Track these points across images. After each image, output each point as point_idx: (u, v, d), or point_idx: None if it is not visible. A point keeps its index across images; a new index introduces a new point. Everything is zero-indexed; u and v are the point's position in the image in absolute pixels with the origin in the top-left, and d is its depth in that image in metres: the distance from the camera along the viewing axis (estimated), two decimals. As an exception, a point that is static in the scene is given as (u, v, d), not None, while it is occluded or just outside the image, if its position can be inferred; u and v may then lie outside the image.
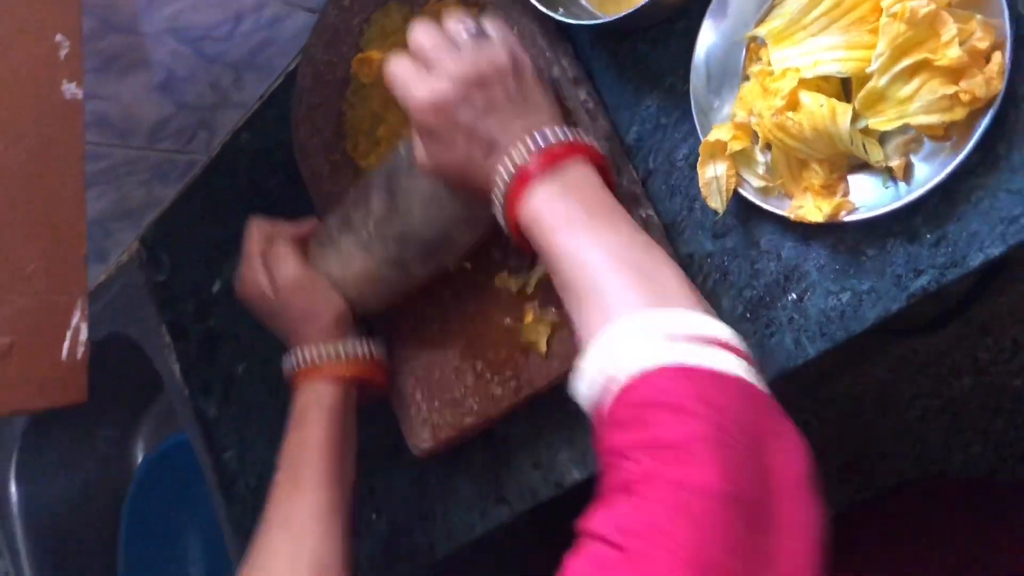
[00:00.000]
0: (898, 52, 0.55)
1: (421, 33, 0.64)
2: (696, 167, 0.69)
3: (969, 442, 1.47)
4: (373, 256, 0.74)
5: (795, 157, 0.62)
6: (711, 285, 0.68)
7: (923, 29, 0.54)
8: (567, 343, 0.70)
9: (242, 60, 0.91)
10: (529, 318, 0.73)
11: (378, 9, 0.82)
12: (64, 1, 0.58)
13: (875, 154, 0.59)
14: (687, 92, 0.68)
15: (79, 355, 0.61)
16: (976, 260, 0.58)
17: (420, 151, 0.66)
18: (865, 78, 0.57)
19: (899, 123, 0.57)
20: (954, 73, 0.54)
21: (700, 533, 0.42)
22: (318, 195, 0.87)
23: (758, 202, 0.64)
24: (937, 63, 0.54)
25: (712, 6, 0.67)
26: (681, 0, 0.68)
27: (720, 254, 0.68)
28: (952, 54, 0.53)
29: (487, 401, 0.75)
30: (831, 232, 0.63)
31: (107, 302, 1.16)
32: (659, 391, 0.48)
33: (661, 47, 0.71)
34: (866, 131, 0.59)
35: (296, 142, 0.88)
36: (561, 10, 0.71)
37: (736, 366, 0.50)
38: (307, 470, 0.71)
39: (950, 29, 0.54)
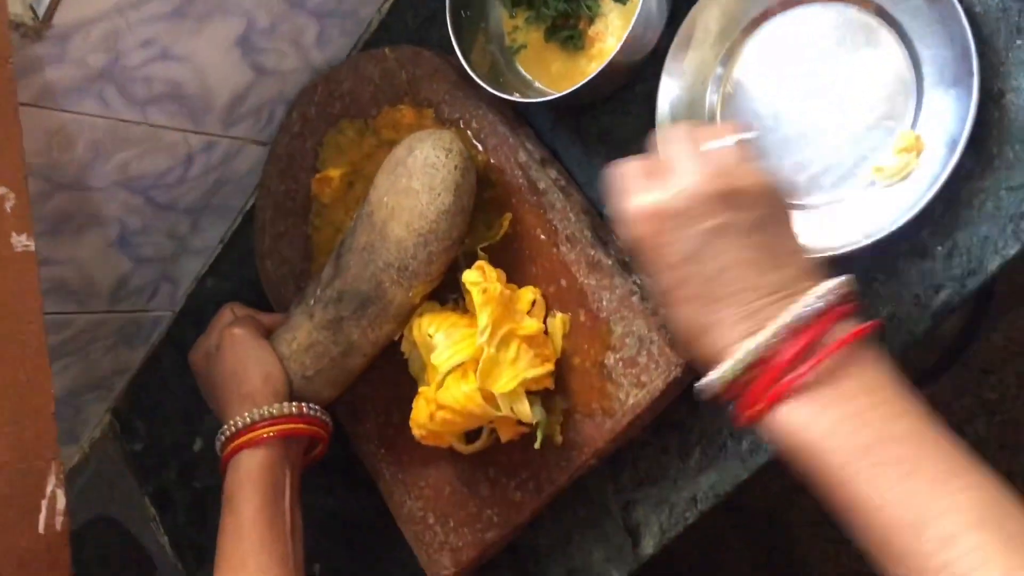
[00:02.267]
0: (495, 326, 0.64)
1: (676, 134, 0.49)
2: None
3: (997, 486, 1.43)
4: (313, 321, 0.73)
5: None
6: (722, 342, 0.64)
7: (506, 306, 0.66)
8: (582, 427, 0.66)
9: (197, 204, 0.89)
10: (538, 416, 0.68)
11: (330, 128, 0.81)
12: (5, 152, 0.56)
13: (524, 414, 0.65)
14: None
15: (58, 526, 0.55)
16: (993, 263, 0.56)
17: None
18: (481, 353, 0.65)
19: (516, 383, 0.64)
20: (532, 338, 0.65)
21: None
22: (293, 326, 0.83)
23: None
24: (520, 332, 0.65)
25: (667, 65, 0.66)
26: (634, 64, 0.67)
27: (725, 309, 0.64)
28: (529, 325, 0.66)
29: (508, 509, 0.69)
30: (837, 264, 0.60)
31: (83, 485, 1.09)
32: None
33: (622, 115, 0.70)
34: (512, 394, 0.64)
35: (264, 277, 0.86)
36: (516, 94, 0.70)
37: None
38: (249, 559, 0.65)
39: (524, 302, 0.67)
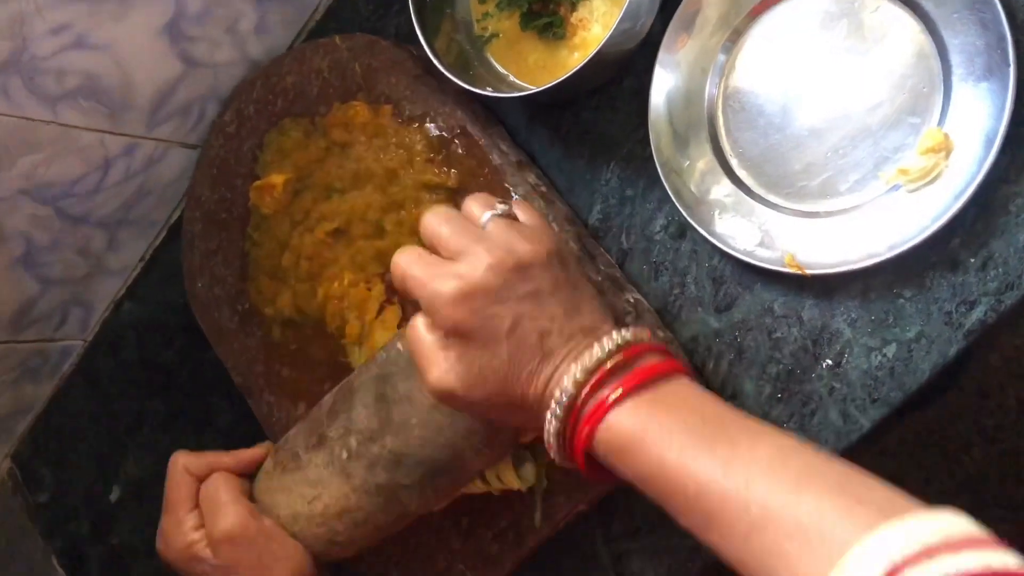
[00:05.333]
0: None
1: (436, 218, 0.56)
2: (678, 238, 0.65)
3: (998, 519, 1.43)
4: (352, 482, 0.62)
5: None
6: (726, 368, 0.63)
7: None
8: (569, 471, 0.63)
9: (115, 216, 0.85)
10: (531, 479, 0.65)
11: (271, 128, 0.77)
12: None
13: (512, 481, 0.64)
14: (650, 156, 0.64)
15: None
16: (1034, 276, 0.54)
17: (436, 369, 0.54)
18: None
19: None
20: None
21: None
22: (228, 356, 0.80)
23: (755, 262, 0.60)
24: None
25: (661, 55, 0.64)
26: (623, 54, 0.65)
27: (730, 330, 0.63)
28: None
29: (483, 563, 0.67)
30: (856, 279, 0.59)
31: (-23, 542, 1.04)
32: None
33: (609, 112, 0.68)
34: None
35: (193, 298, 0.82)
36: (488, 88, 0.67)
37: (1017, 562, 0.41)
38: None
39: None
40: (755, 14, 0.62)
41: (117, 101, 0.76)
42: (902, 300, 0.58)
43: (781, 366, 0.61)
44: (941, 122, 0.56)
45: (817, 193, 0.60)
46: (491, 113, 0.71)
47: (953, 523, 0.42)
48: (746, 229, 0.61)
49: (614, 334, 0.53)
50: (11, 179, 0.75)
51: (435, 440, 0.59)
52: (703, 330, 0.64)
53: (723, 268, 0.63)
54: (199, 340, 0.83)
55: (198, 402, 0.88)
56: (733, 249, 0.61)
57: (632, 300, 0.63)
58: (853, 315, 0.59)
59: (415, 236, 0.68)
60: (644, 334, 0.54)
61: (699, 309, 0.64)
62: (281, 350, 0.76)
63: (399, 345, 0.61)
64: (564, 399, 0.52)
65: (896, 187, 0.57)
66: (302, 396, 0.75)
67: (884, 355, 0.58)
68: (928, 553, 0.41)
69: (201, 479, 0.67)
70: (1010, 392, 1.42)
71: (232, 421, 0.86)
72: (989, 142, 0.54)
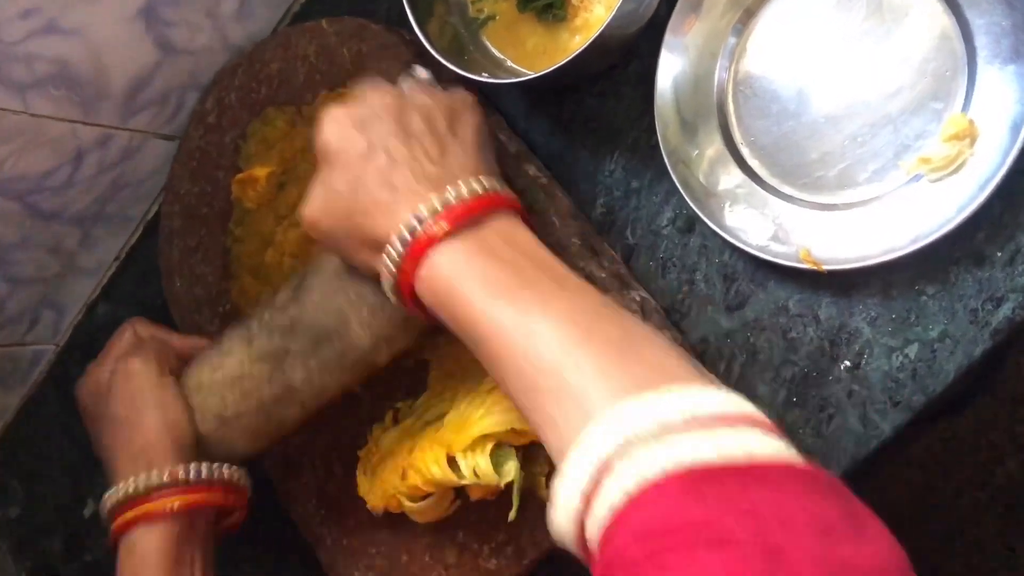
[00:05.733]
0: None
1: (368, 82, 0.62)
2: (687, 232, 0.65)
3: (1034, 536, 1.44)
4: (250, 349, 0.67)
5: None
6: (738, 370, 0.63)
7: None
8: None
9: (88, 212, 0.86)
10: (511, 474, 0.65)
11: (255, 118, 0.78)
12: None
13: (489, 475, 0.63)
14: (656, 145, 0.65)
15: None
16: (1065, 272, 0.55)
17: (310, 196, 0.61)
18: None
19: (468, 440, 0.63)
20: None
21: None
22: (210, 360, 0.80)
23: (768, 258, 0.60)
24: None
25: (667, 38, 0.65)
26: (627, 37, 0.65)
27: (742, 330, 0.63)
28: None
29: (479, 579, 0.67)
30: (875, 276, 0.59)
31: (-57, 561, 1.04)
32: (676, 511, 0.39)
33: (613, 99, 0.69)
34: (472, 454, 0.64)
35: (171, 299, 0.82)
36: (484, 74, 0.68)
37: (775, 447, 0.43)
38: None
39: None
40: (767, -6, 0.63)
41: (90, 89, 0.76)
42: (925, 297, 0.58)
43: (797, 368, 0.61)
44: (965, 108, 0.57)
45: (834, 184, 0.60)
46: (488, 100, 0.71)
47: (709, 399, 0.44)
48: (758, 222, 0.62)
49: (463, 183, 0.56)
50: (-23, 173, 0.76)
51: (326, 304, 0.64)
52: (714, 330, 0.64)
53: (734, 264, 0.64)
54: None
55: (177, 410, 0.88)
56: (745, 244, 0.61)
57: (638, 298, 0.64)
58: (873, 313, 0.59)
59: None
60: (494, 185, 0.58)
61: (709, 308, 0.64)
62: (265, 353, 0.76)
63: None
64: (396, 241, 0.56)
65: (918, 177, 0.58)
66: (287, 402, 0.75)
67: (906, 356, 0.58)
68: (672, 430, 0.42)
69: (144, 341, 0.73)
70: (1045, 399, 1.42)
71: (213, 430, 0.86)
72: (1016, 128, 0.54)
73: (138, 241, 0.91)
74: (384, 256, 0.56)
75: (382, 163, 0.57)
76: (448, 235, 0.54)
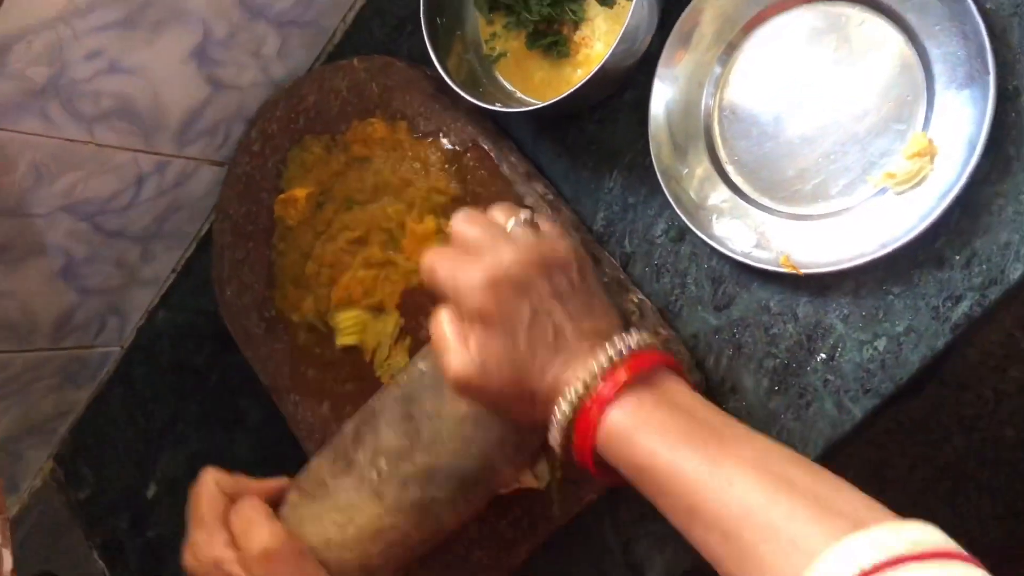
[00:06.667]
0: None
1: (466, 220, 0.55)
2: (678, 241, 0.64)
3: (978, 504, 1.43)
4: (384, 503, 0.57)
5: None
6: (726, 363, 0.62)
7: None
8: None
9: (148, 230, 0.84)
10: (546, 477, 0.64)
11: (294, 145, 0.77)
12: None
13: (529, 481, 0.62)
14: (651, 165, 0.64)
15: (4, 589, 0.50)
16: (1016, 272, 0.54)
17: (456, 356, 0.53)
18: None
19: None
20: None
21: None
22: (256, 359, 0.79)
23: (752, 263, 0.59)
24: None
25: (660, 69, 0.64)
26: (624, 70, 0.65)
27: (728, 327, 0.62)
28: None
29: (499, 550, 0.66)
30: (847, 278, 0.58)
31: (23, 538, 1.04)
32: None
33: (611, 124, 0.67)
34: None
35: (222, 305, 0.81)
36: (497, 104, 0.66)
37: (981, 572, 0.41)
38: None
39: None
40: (748, 29, 0.62)
41: (149, 122, 0.75)
42: (891, 296, 0.57)
43: (778, 360, 0.60)
44: (925, 128, 0.56)
45: (809, 197, 0.59)
46: (500, 127, 0.70)
47: (923, 533, 0.41)
48: (743, 232, 0.60)
49: (625, 337, 0.52)
50: (51, 197, 0.75)
51: (466, 452, 0.57)
52: (703, 328, 0.63)
53: (721, 269, 0.63)
54: (229, 345, 0.82)
55: (228, 403, 0.87)
56: (731, 251, 0.60)
57: (636, 300, 0.62)
58: (845, 311, 0.58)
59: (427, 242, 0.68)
60: (650, 339, 0.53)
61: (699, 308, 0.63)
62: (305, 353, 0.75)
63: (420, 365, 0.58)
64: (573, 395, 0.51)
65: (884, 190, 0.57)
66: (326, 395, 0.74)
67: (875, 348, 0.57)
68: (896, 562, 0.40)
69: (231, 498, 0.62)
70: (987, 384, 1.41)
71: (260, 421, 0.85)
72: (971, 146, 0.53)
73: (192, 255, 0.90)
74: (555, 414, 0.52)
75: (548, 328, 0.52)
76: (625, 388, 0.50)
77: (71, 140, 0.71)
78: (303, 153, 0.76)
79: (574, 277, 0.54)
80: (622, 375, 0.50)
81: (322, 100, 0.75)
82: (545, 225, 0.56)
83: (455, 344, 0.53)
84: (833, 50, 0.59)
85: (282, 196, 0.77)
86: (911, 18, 0.56)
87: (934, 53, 0.56)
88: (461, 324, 0.53)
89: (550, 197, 0.66)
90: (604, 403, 0.50)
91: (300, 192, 0.75)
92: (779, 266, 0.58)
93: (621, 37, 0.60)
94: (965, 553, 0.42)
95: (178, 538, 0.92)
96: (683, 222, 0.62)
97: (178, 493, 0.91)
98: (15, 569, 0.53)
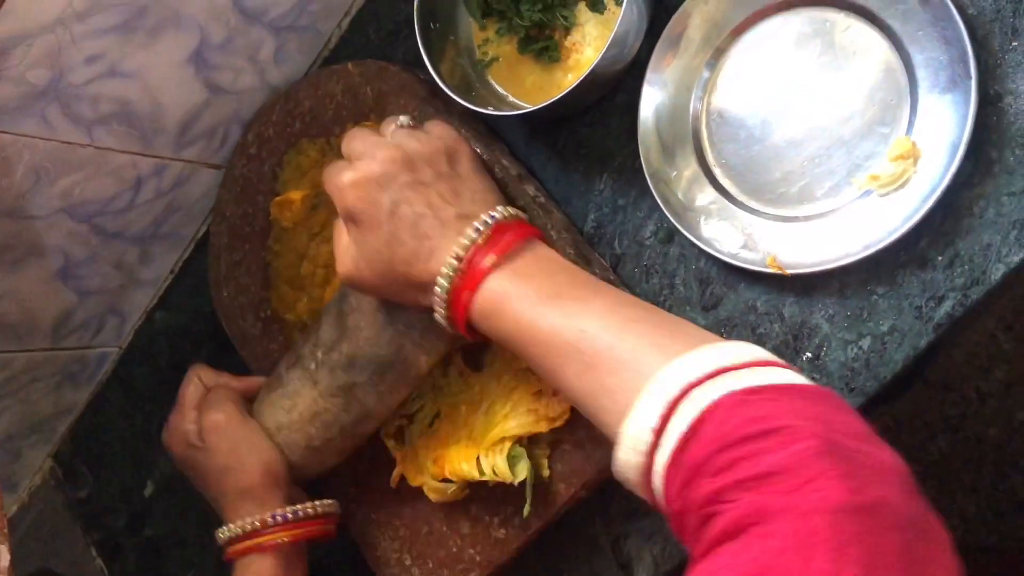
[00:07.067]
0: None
1: (350, 136, 0.61)
2: (667, 242, 0.64)
3: (962, 503, 1.43)
4: (318, 388, 0.66)
5: None
6: (714, 362, 0.62)
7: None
8: (570, 459, 0.62)
9: (147, 232, 0.84)
10: (524, 472, 0.64)
11: (290, 149, 0.77)
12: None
13: (505, 474, 0.62)
14: (640, 168, 0.64)
15: (1, 586, 0.50)
16: (998, 273, 0.54)
17: (340, 256, 0.60)
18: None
19: (491, 441, 0.63)
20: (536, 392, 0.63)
21: (842, 556, 0.35)
22: (253, 358, 0.79)
23: (739, 264, 0.59)
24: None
25: (649, 74, 0.64)
26: (614, 74, 0.65)
27: (716, 327, 0.62)
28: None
29: (491, 547, 0.65)
30: (832, 278, 0.58)
31: (22, 536, 1.03)
32: (743, 420, 0.42)
33: (602, 127, 0.67)
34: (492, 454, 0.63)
35: (219, 306, 0.81)
36: (490, 108, 0.67)
37: (806, 380, 0.46)
38: None
39: None
40: (735, 35, 0.62)
41: (147, 125, 0.75)
42: (876, 297, 0.57)
43: (765, 359, 0.60)
44: (909, 131, 0.56)
45: (795, 199, 0.59)
46: (493, 131, 0.70)
47: (744, 349, 0.47)
48: (730, 233, 0.61)
49: (483, 216, 0.56)
50: (51, 199, 0.74)
51: (379, 339, 0.63)
52: (692, 327, 0.63)
53: (709, 270, 0.63)
54: (226, 346, 0.82)
55: (225, 402, 0.87)
56: (718, 252, 0.60)
57: (626, 300, 0.62)
58: (831, 311, 0.58)
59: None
60: (511, 212, 0.58)
61: (688, 308, 0.63)
62: (301, 352, 0.75)
63: None
64: (444, 280, 0.55)
65: (868, 192, 0.57)
66: (321, 394, 0.74)
67: (860, 348, 0.57)
68: (720, 372, 0.45)
69: (210, 387, 0.73)
70: (971, 384, 1.42)
71: (257, 419, 0.85)
72: (954, 149, 0.53)
73: (190, 256, 0.90)
74: (434, 294, 0.57)
75: (408, 216, 0.57)
76: (491, 267, 0.55)
77: (70, 143, 0.71)
78: (299, 156, 0.76)
79: (442, 167, 0.58)
80: (492, 255, 0.55)
81: (317, 104, 0.75)
82: (429, 124, 0.61)
83: (340, 245, 0.59)
84: (818, 55, 0.59)
85: (278, 198, 0.76)
86: (894, 23, 0.56)
87: (917, 58, 0.56)
88: (341, 225, 0.59)
89: (541, 199, 0.66)
90: (472, 285, 0.55)
91: (296, 194, 0.75)
92: (766, 267, 0.58)
93: (611, 42, 0.60)
94: (782, 362, 0.48)
95: (175, 538, 0.92)
96: (672, 224, 0.62)
97: (176, 492, 0.91)
98: (13, 566, 0.53)
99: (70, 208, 0.76)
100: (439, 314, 0.57)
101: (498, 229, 0.57)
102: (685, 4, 0.62)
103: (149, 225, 0.84)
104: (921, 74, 0.56)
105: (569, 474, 0.62)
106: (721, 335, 0.61)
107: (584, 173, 0.68)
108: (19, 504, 1.04)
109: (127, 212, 0.81)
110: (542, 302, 0.53)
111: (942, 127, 0.54)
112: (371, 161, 0.57)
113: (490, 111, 0.65)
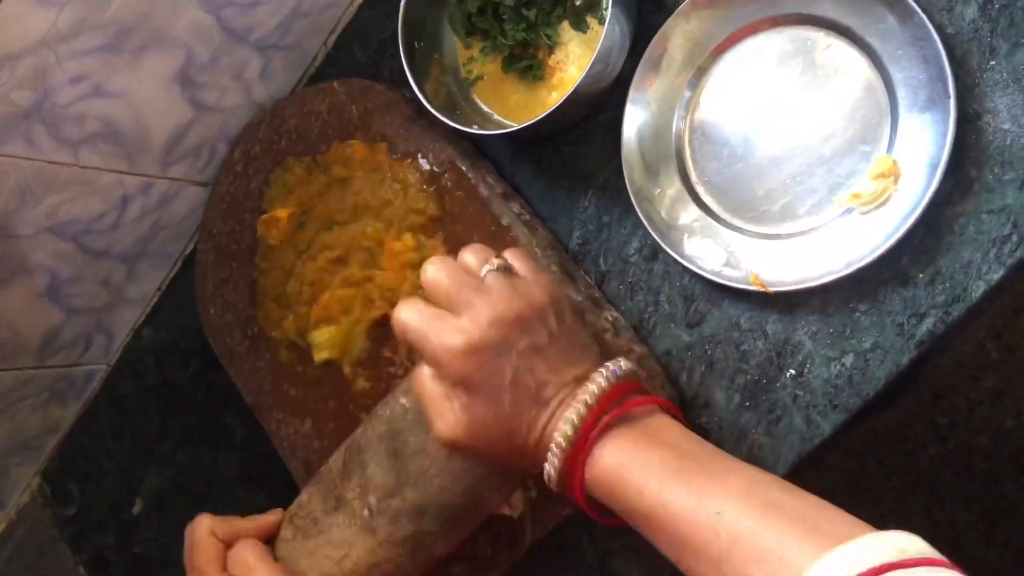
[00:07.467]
0: None
1: (437, 271, 0.54)
2: (651, 260, 0.64)
3: (953, 511, 1.43)
4: (377, 537, 0.58)
5: None
6: (699, 378, 0.62)
7: None
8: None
9: (133, 250, 0.84)
10: (520, 506, 0.64)
11: (276, 166, 0.77)
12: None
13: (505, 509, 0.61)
14: (623, 186, 0.64)
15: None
16: (979, 290, 0.54)
17: (443, 419, 0.53)
18: None
19: None
20: None
21: None
22: (240, 376, 0.79)
23: (723, 281, 0.60)
24: None
25: (632, 93, 0.64)
26: (597, 93, 0.65)
27: (700, 344, 0.62)
28: None
29: (477, 566, 0.65)
30: (815, 295, 0.59)
31: (10, 555, 1.02)
32: None
33: (585, 146, 0.68)
34: None
35: (206, 323, 0.81)
36: (475, 126, 0.67)
37: None
38: None
39: None
40: (717, 54, 0.62)
41: (133, 144, 0.75)
42: (858, 314, 0.57)
43: (748, 376, 0.60)
44: (889, 149, 0.56)
45: (778, 217, 0.60)
46: (478, 149, 0.70)
47: (908, 542, 0.42)
48: (713, 251, 0.61)
49: (600, 379, 0.52)
50: (36, 218, 0.74)
51: (455, 487, 0.57)
52: (676, 344, 0.63)
53: (693, 287, 0.63)
54: (213, 363, 0.81)
55: (213, 420, 0.87)
56: (702, 269, 0.60)
57: (611, 318, 0.63)
58: (813, 328, 0.59)
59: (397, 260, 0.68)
60: (622, 367, 0.53)
61: (672, 325, 0.63)
62: (287, 370, 0.75)
63: (403, 401, 0.58)
64: (563, 443, 0.51)
65: (850, 210, 0.57)
66: (308, 413, 0.74)
67: (843, 364, 0.58)
68: (884, 569, 0.40)
69: (226, 543, 0.61)
70: (960, 393, 1.42)
71: (245, 437, 0.85)
72: (934, 167, 0.54)
73: (177, 274, 0.90)
74: (548, 462, 0.52)
75: (531, 386, 0.52)
76: (607, 432, 0.51)
77: (55, 163, 0.71)
78: (285, 174, 0.76)
79: (551, 324, 0.53)
80: (601, 422, 0.51)
81: (303, 122, 0.75)
82: (519, 264, 0.55)
83: (440, 405, 0.53)
84: (800, 73, 0.60)
85: (264, 216, 0.76)
86: (874, 43, 0.57)
87: (897, 77, 0.56)
88: (443, 384, 0.52)
89: (526, 217, 0.66)
90: (587, 453, 0.51)
91: (282, 212, 0.75)
92: (749, 284, 0.59)
93: (594, 60, 0.60)
94: (948, 560, 0.42)
95: (164, 554, 0.91)
96: (655, 241, 0.62)
97: (164, 509, 0.91)
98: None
99: (56, 227, 0.76)
100: (552, 484, 0.53)
101: (617, 389, 0.52)
102: (667, 23, 0.62)
103: (136, 243, 0.84)
104: (901, 93, 0.56)
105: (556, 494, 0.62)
106: (705, 352, 0.62)
107: (569, 191, 0.68)
108: (7, 522, 1.03)
109: (114, 230, 0.81)
110: (668, 478, 0.48)
111: (922, 145, 0.55)
112: (482, 327, 0.51)
113: (475, 130, 0.66)
